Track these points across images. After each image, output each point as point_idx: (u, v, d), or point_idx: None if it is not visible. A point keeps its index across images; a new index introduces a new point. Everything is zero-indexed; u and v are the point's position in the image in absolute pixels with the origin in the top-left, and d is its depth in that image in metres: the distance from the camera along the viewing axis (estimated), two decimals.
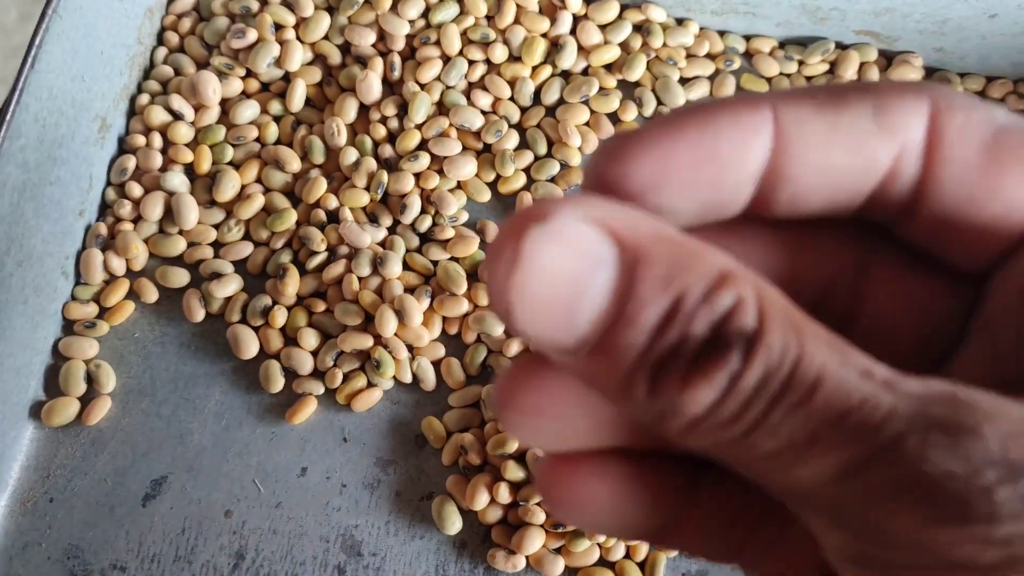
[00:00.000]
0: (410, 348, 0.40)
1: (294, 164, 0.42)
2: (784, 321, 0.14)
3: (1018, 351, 0.16)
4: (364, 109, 0.44)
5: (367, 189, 0.42)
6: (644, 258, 0.14)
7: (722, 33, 0.46)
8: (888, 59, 0.46)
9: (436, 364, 0.40)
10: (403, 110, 0.43)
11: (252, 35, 0.43)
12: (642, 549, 0.38)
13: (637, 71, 0.44)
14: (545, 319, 0.14)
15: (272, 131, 0.43)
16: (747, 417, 0.14)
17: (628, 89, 0.45)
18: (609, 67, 0.45)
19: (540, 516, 0.37)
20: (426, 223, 0.42)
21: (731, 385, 0.14)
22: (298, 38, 0.44)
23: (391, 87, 0.44)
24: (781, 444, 0.14)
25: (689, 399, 0.14)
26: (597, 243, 0.14)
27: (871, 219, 0.17)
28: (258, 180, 0.43)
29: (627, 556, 0.38)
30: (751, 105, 0.15)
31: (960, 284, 0.18)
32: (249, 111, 0.43)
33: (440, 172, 0.42)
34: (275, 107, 0.44)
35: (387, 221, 0.42)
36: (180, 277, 0.41)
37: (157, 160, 0.42)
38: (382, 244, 0.41)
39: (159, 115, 0.43)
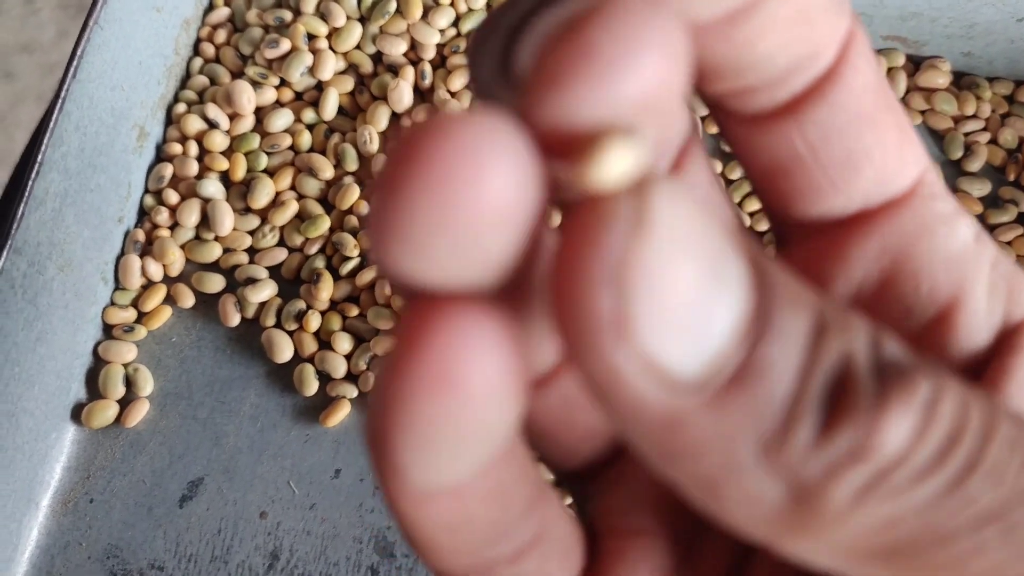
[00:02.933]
0: None
1: (327, 171, 0.43)
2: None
3: None
4: (396, 117, 0.44)
5: None
6: (768, 263, 0.10)
7: None
8: (916, 64, 0.46)
9: None
10: None
11: (286, 45, 0.44)
12: None
13: None
14: (668, 323, 0.09)
15: (305, 139, 0.44)
16: (962, 458, 0.10)
17: None
18: None
19: None
20: None
21: (934, 410, 0.10)
22: (331, 48, 0.45)
23: (422, 95, 0.45)
24: (1008, 496, 0.10)
25: (889, 426, 0.09)
26: (721, 227, 0.10)
27: (734, 105, 0.14)
28: (292, 187, 0.44)
29: None
30: None
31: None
32: (283, 119, 0.44)
33: None
34: (308, 115, 0.45)
35: None
36: (216, 282, 0.42)
37: (193, 168, 0.43)
38: None
39: (195, 124, 0.44)
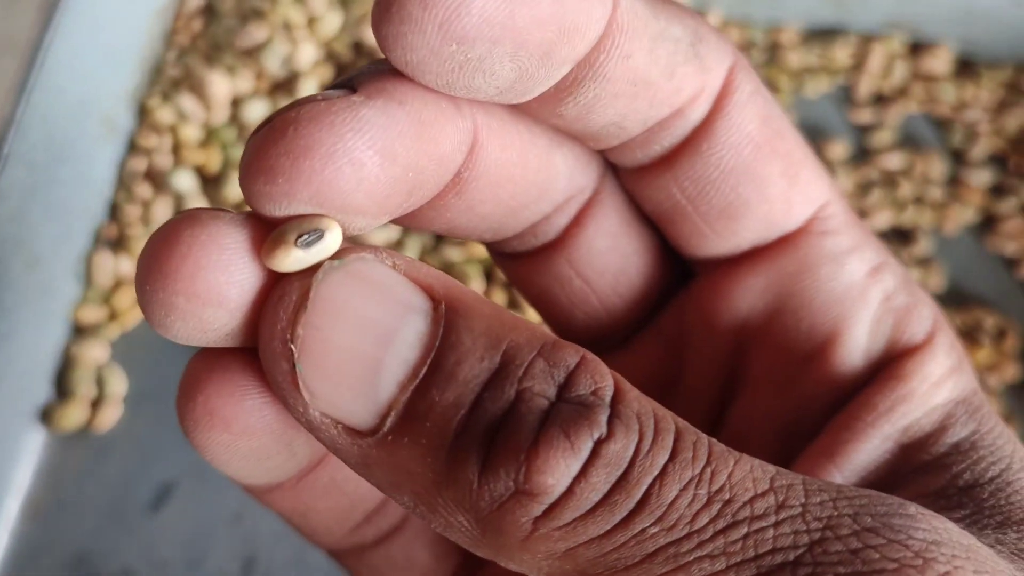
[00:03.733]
0: None
1: None
2: (632, 388, 0.11)
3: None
4: None
5: None
6: (463, 309, 0.11)
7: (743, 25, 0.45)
8: (915, 49, 0.45)
9: None
10: None
11: (262, 34, 0.43)
12: None
13: None
14: (339, 381, 0.11)
15: None
16: (627, 497, 0.10)
17: None
18: None
19: None
20: None
21: (598, 452, 0.10)
22: (309, 37, 0.43)
23: None
24: (679, 536, 0.10)
25: (544, 468, 0.10)
26: (404, 288, 0.11)
27: (614, 160, 0.15)
28: None
29: None
30: None
31: (675, 261, 0.16)
32: (259, 110, 0.43)
33: None
34: None
35: None
36: None
37: (166, 161, 0.42)
38: (397, 244, 0.40)
39: (168, 115, 0.42)
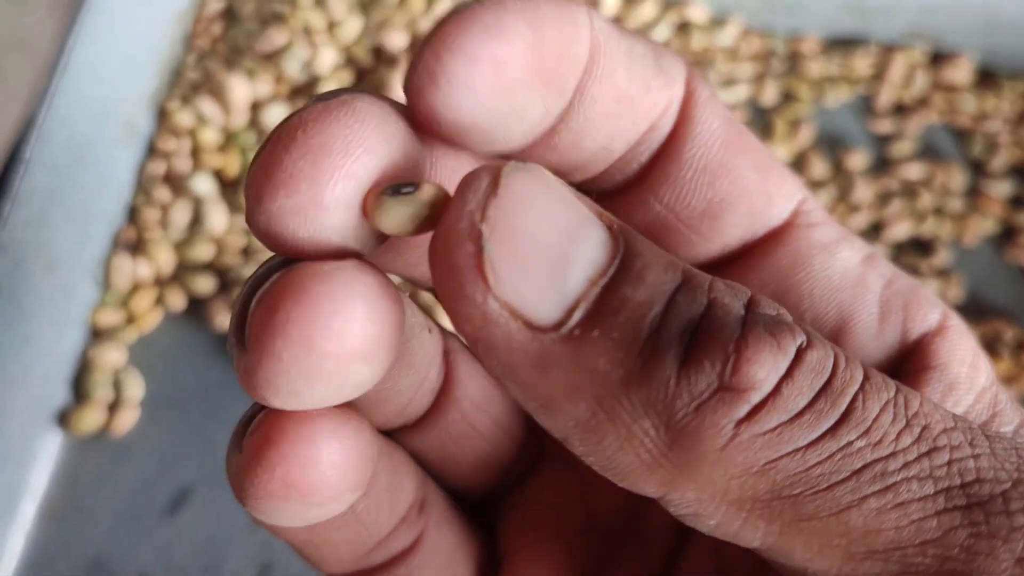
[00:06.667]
0: None
1: None
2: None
3: None
4: None
5: None
6: (634, 234, 0.11)
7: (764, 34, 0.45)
8: (935, 59, 0.44)
9: None
10: None
11: (282, 38, 0.43)
12: None
13: None
14: (527, 267, 0.10)
15: None
16: (832, 406, 0.10)
17: None
18: None
19: None
20: None
21: (801, 357, 0.10)
22: (329, 41, 0.43)
23: None
24: (885, 454, 0.10)
25: (754, 360, 0.10)
26: (582, 202, 0.11)
27: (596, 188, 0.15)
28: None
29: None
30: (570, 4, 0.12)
31: None
32: (279, 115, 0.43)
33: None
34: None
35: None
36: (208, 283, 0.40)
37: (185, 164, 0.42)
38: None
39: (187, 119, 0.42)
